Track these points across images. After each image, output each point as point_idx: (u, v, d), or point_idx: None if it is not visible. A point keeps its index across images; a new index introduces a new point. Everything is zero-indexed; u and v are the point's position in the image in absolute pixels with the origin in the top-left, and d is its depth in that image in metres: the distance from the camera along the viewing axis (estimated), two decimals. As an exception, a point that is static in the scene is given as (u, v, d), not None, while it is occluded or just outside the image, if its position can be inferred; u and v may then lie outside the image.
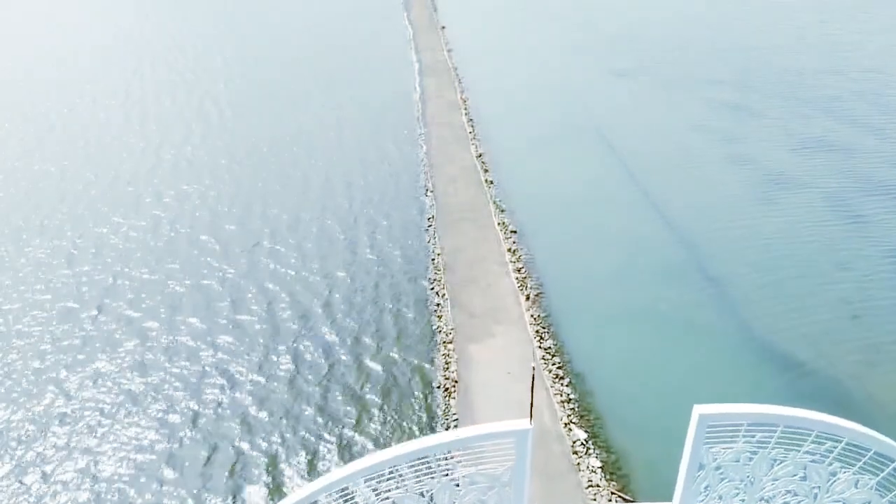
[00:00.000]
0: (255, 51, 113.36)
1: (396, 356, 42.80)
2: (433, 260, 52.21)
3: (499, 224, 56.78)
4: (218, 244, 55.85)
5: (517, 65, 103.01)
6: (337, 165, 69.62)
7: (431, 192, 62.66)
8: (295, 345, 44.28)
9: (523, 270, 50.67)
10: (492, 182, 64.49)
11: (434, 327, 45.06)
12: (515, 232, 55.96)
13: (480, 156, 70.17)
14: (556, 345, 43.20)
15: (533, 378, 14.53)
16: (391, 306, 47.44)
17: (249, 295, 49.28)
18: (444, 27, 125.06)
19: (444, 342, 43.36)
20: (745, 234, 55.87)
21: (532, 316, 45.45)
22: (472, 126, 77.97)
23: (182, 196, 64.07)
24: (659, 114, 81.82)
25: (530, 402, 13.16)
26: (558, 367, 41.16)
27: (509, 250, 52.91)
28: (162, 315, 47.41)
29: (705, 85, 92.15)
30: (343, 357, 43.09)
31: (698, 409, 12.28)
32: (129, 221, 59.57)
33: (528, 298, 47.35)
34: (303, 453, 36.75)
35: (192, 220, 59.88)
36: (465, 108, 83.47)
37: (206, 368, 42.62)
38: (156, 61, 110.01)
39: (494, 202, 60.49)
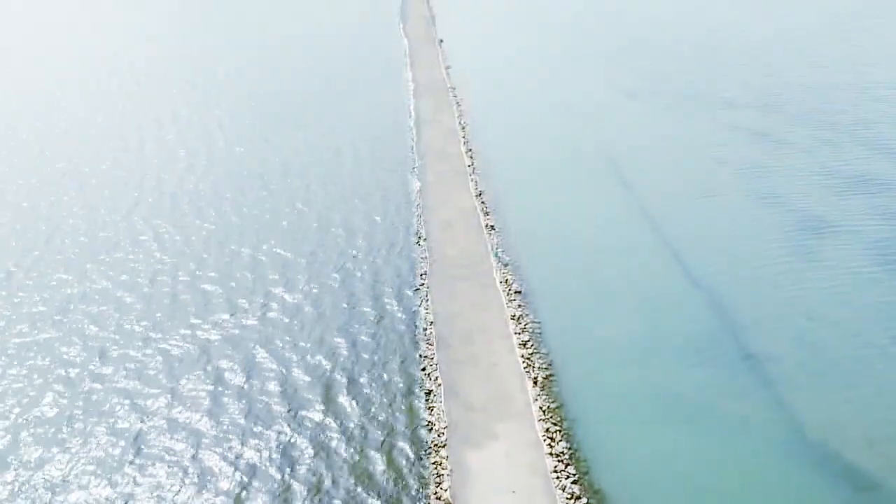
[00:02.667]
0: (241, 65, 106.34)
1: (379, 468, 35.51)
2: (425, 330, 44.92)
3: (501, 282, 49.53)
4: (171, 305, 48.69)
5: (521, 84, 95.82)
6: (318, 207, 62.31)
7: (424, 240, 55.43)
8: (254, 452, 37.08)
9: (530, 344, 43.40)
10: (493, 227, 57.26)
11: (424, 423, 37.78)
12: (520, 293, 48.68)
13: (480, 194, 62.92)
14: (570, 448, 35.92)
15: None
16: (373, 396, 40.09)
17: (194, 389, 42.06)
18: (441, 40, 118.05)
19: (436, 445, 36.09)
20: (784, 297, 48.52)
21: (541, 408, 38.19)
22: (472, 157, 70.76)
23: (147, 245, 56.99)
24: (677, 143, 74.55)
25: None
26: (574, 482, 33.88)
27: (513, 317, 45.64)
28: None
29: (724, 107, 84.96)
30: (305, 471, 35.88)
31: None
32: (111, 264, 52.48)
33: (535, 383, 40.09)
34: None
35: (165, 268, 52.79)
36: (464, 136, 76.31)
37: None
38: (147, 77, 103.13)
39: (496, 254, 53.27)
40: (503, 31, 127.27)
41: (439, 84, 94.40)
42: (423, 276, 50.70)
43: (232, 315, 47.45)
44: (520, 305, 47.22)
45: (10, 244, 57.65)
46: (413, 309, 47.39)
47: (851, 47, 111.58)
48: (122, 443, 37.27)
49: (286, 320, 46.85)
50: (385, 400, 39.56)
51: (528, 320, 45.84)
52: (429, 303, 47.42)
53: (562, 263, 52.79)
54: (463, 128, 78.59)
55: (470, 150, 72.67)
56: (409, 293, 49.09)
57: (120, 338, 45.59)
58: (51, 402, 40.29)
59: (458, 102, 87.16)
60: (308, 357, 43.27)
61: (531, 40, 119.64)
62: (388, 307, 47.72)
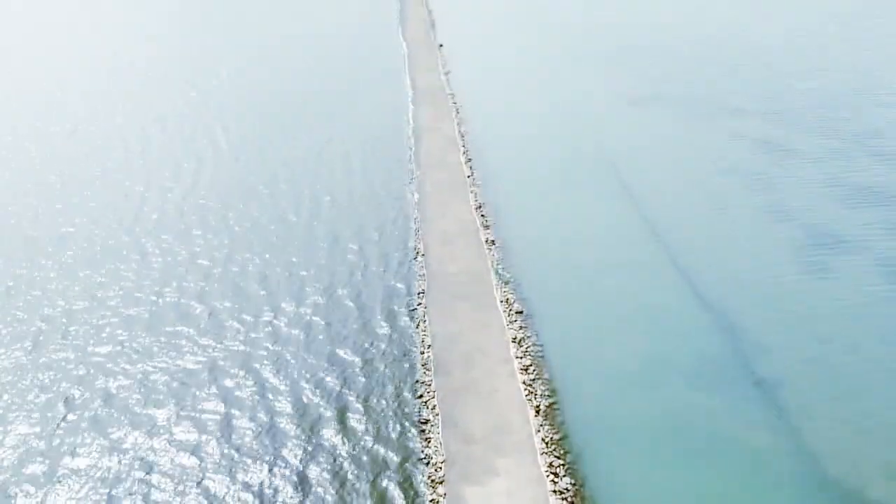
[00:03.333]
0: (240, 67, 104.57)
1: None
2: (422, 354, 43.24)
3: (502, 302, 47.84)
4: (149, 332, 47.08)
5: (521, 89, 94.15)
6: (313, 219, 60.66)
7: (423, 255, 53.74)
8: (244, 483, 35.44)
9: (532, 369, 41.71)
10: (493, 242, 55.56)
11: (422, 456, 36.11)
12: (521, 313, 46.99)
13: (480, 207, 61.24)
14: (574, 485, 34.23)
15: None
16: (367, 426, 38.38)
17: (197, 408, 40.44)
18: (441, 45, 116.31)
19: (434, 481, 34.41)
20: (796, 316, 46.82)
21: (544, 439, 36.52)
22: (472, 167, 69.05)
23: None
24: (682, 152, 72.75)
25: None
26: (578, 522, 32.24)
27: (514, 340, 43.95)
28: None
29: (729, 115, 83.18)
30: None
31: None
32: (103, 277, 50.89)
33: (538, 412, 38.43)
34: None
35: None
36: (464, 144, 74.58)
37: None
38: (147, 77, 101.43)
39: (496, 270, 51.58)
40: (503, 34, 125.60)
41: (438, 90, 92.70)
42: (421, 295, 49.01)
43: (222, 336, 45.87)
44: (521, 327, 45.53)
45: (8, 257, 56.17)
46: (410, 330, 45.71)
47: (853, 49, 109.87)
48: (126, 464, 35.86)
49: (278, 341, 45.20)
50: (380, 430, 37.86)
51: (530, 343, 44.15)
52: (427, 323, 45.74)
53: (564, 281, 51.07)
54: (462, 136, 76.89)
55: (469, 159, 70.99)
56: (407, 312, 47.41)
57: (122, 354, 44.11)
58: (54, 421, 38.82)
59: (457, 109, 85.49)
60: (298, 382, 41.61)
61: (531, 44, 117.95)
62: (384, 328, 46.04)
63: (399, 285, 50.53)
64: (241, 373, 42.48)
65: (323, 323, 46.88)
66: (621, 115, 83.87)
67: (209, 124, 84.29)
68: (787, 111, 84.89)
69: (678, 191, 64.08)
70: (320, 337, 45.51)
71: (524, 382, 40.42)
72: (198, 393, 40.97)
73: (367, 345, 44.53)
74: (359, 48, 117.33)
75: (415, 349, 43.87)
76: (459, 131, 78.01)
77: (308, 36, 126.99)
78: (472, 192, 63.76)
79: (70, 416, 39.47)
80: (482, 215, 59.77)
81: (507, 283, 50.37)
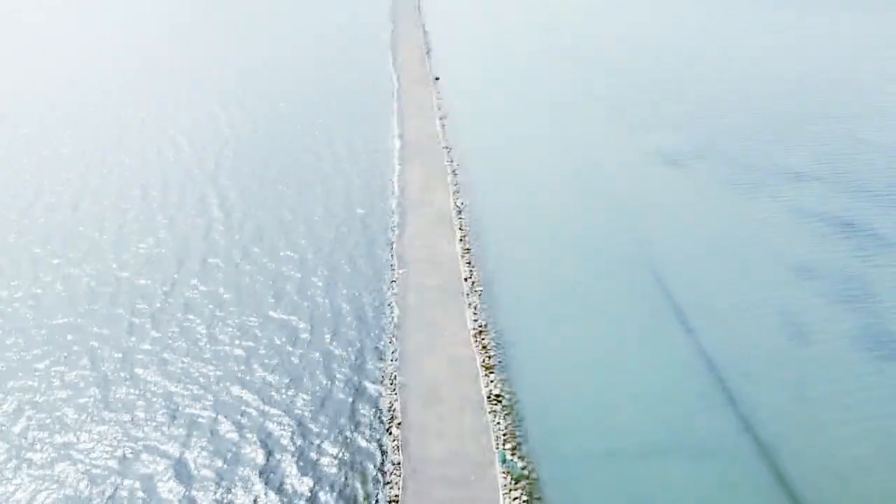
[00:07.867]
0: (201, 108, 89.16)
1: None
2: None
3: (512, 519, 32.30)
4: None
5: (533, 142, 78.11)
6: (244, 364, 45.04)
7: (399, 425, 38.08)
8: None
9: None
10: (499, 399, 39.95)
11: None
12: (541, 546, 31.46)
13: (481, 332, 45.64)
14: None
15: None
16: None
17: None
18: (437, 78, 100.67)
19: None
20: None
21: None
22: (470, 264, 53.40)
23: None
24: (738, 241, 56.90)
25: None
26: None
27: None
28: None
29: (788, 179, 67.52)
30: None
31: None
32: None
33: None
34: None
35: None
36: (461, 225, 58.92)
37: None
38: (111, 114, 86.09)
39: (503, 456, 35.92)
40: (510, 64, 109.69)
41: (432, 142, 77.19)
42: (394, 505, 33.49)
43: None
44: (542, 579, 29.93)
45: None
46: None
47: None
48: None
49: None
50: None
51: None
52: (398, 575, 30.16)
53: (602, 479, 35.35)
54: (459, 211, 61.28)
55: (468, 249, 55.43)
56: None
57: None
58: None
59: (454, 170, 69.90)
60: None
61: (543, 77, 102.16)
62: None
63: (361, 488, 34.85)
64: None
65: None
66: (657, 180, 68.00)
67: (150, 187, 68.93)
68: (858, 173, 69.34)
69: (743, 310, 48.12)
70: None
71: None
72: None
73: None
74: (342, 81, 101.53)
75: None
76: (456, 205, 62.40)
77: (286, 67, 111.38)
78: (470, 305, 48.18)
79: None
80: (483, 347, 44.19)
81: (517, 480, 34.76)
